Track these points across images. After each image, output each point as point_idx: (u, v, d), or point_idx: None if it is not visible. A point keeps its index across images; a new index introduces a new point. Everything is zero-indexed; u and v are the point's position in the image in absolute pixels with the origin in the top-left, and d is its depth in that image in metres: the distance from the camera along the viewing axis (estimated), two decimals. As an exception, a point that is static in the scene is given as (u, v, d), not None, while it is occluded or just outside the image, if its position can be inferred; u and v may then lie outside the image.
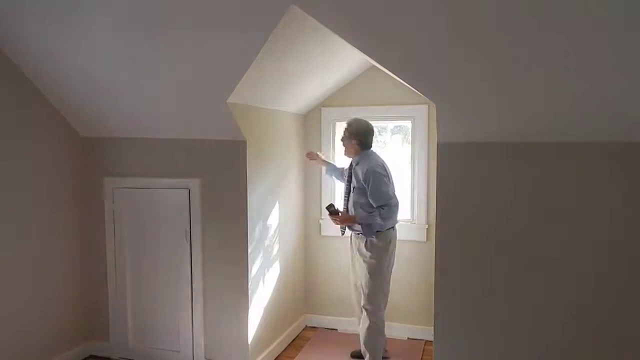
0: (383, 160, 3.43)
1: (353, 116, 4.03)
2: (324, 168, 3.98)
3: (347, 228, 3.50)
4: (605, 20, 1.97)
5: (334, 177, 3.87)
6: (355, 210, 3.35)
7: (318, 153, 3.92)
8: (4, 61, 3.05)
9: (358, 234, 3.36)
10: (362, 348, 3.40)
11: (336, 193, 4.16)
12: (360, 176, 3.29)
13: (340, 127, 4.19)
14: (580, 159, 2.54)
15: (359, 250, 3.38)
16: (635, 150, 2.46)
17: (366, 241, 3.31)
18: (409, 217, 4.04)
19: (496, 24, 2.12)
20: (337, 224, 3.44)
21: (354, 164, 3.41)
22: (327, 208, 3.42)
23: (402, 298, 4.03)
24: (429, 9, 2.15)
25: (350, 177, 3.42)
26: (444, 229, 2.77)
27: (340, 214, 3.41)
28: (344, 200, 3.49)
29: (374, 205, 3.27)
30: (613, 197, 2.52)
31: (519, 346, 2.70)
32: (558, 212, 2.59)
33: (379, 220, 3.24)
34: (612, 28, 1.99)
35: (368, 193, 3.27)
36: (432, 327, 2.84)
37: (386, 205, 3.26)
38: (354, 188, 3.37)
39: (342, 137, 3.47)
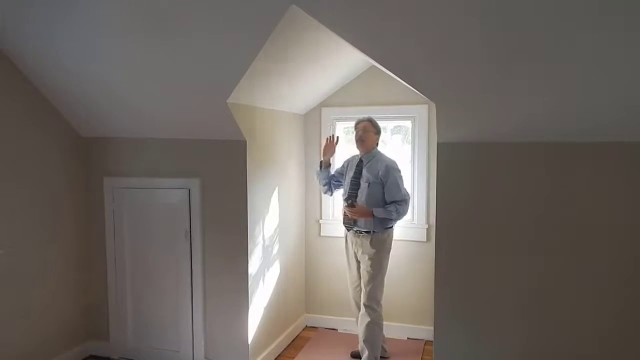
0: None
1: (353, 116, 4.04)
2: (316, 173, 3.77)
3: (353, 226, 3.41)
4: (604, 19, 1.97)
5: (321, 180, 3.68)
6: (368, 204, 3.34)
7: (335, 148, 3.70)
8: (4, 61, 3.05)
9: (360, 232, 3.37)
10: (361, 345, 3.43)
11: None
12: (379, 172, 3.33)
13: (341, 127, 4.20)
14: (580, 159, 2.55)
15: (362, 248, 3.40)
16: (634, 149, 2.46)
17: (371, 239, 3.35)
18: (409, 217, 4.03)
19: (496, 24, 2.12)
20: (354, 216, 3.38)
21: (365, 161, 3.44)
22: (345, 199, 3.44)
23: (402, 298, 4.02)
24: (429, 10, 2.15)
25: (360, 172, 3.43)
26: (443, 229, 2.77)
27: (355, 206, 3.37)
28: (349, 194, 3.42)
29: (389, 201, 3.32)
30: (614, 197, 2.52)
31: (519, 346, 2.70)
32: (558, 212, 2.59)
33: (394, 215, 3.30)
34: (612, 28, 1.99)
35: (385, 188, 3.32)
36: (432, 327, 2.84)
37: (402, 201, 3.32)
38: (369, 184, 3.35)
39: (367, 132, 3.41)
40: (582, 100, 2.34)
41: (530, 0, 1.99)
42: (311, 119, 4.21)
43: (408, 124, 4.04)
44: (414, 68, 2.51)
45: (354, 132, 3.50)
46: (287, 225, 3.95)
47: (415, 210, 3.99)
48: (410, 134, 4.03)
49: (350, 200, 3.41)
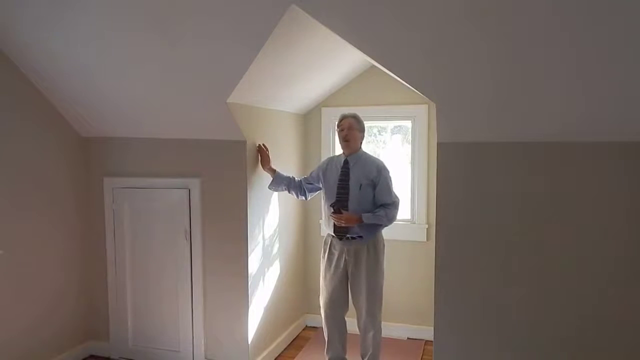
0: None
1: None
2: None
3: (345, 234, 3.15)
4: (604, 19, 1.97)
5: (280, 189, 3.44)
6: (361, 208, 3.10)
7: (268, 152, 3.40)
8: (4, 61, 3.05)
9: (353, 237, 3.13)
10: (365, 351, 3.24)
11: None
12: (371, 173, 3.12)
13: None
14: (581, 159, 2.54)
15: (356, 257, 3.14)
16: (634, 150, 2.46)
17: (367, 245, 3.12)
18: (409, 217, 4.03)
19: (496, 24, 2.12)
20: (342, 224, 3.09)
21: (351, 162, 3.19)
22: (332, 205, 3.15)
23: (402, 298, 4.03)
24: (429, 9, 2.15)
25: (347, 175, 3.17)
26: (444, 229, 2.76)
27: (343, 212, 3.09)
28: (338, 199, 3.16)
29: (378, 204, 3.12)
30: (614, 197, 2.52)
31: (519, 346, 2.70)
32: (558, 212, 2.59)
33: (385, 220, 3.09)
34: (611, 27, 1.99)
35: (376, 190, 3.11)
36: (432, 327, 2.84)
37: (392, 204, 3.12)
38: (360, 186, 3.11)
39: (352, 130, 3.17)
40: (582, 99, 2.34)
41: (530, 1, 1.99)
42: (311, 119, 4.22)
43: (408, 124, 4.04)
44: (414, 68, 2.50)
45: (338, 130, 3.24)
46: (287, 225, 3.95)
47: (416, 210, 3.99)
48: (410, 134, 4.03)
49: (337, 206, 3.12)
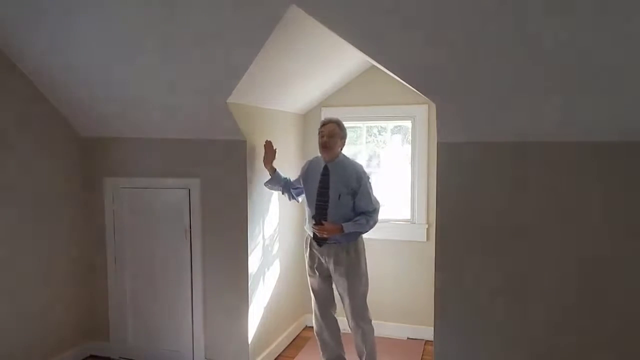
0: None
1: (353, 116, 4.01)
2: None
3: (325, 241, 3.14)
4: (604, 19, 1.97)
5: (275, 188, 3.43)
6: (339, 217, 3.07)
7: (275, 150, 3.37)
8: (4, 61, 3.05)
9: (333, 242, 3.11)
10: (360, 351, 3.26)
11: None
12: (350, 182, 3.07)
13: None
14: (580, 159, 2.54)
15: (336, 260, 3.11)
16: (634, 150, 2.46)
17: (347, 248, 3.10)
18: (409, 217, 4.03)
19: (496, 24, 2.12)
20: (324, 235, 3.07)
21: (330, 169, 3.14)
22: (313, 217, 3.14)
23: (403, 298, 4.02)
24: (429, 9, 2.15)
25: (326, 182, 3.12)
26: (444, 229, 2.77)
27: (324, 223, 3.07)
28: (318, 207, 3.14)
29: (359, 211, 3.08)
30: (614, 197, 2.52)
31: (519, 346, 2.70)
32: (558, 212, 2.59)
33: (366, 228, 3.08)
34: (612, 27, 1.99)
35: (357, 198, 3.07)
36: (432, 327, 2.84)
37: (373, 211, 3.10)
38: (339, 196, 3.07)
39: (333, 137, 3.10)
40: (583, 99, 2.34)
41: (529, 1, 1.99)
42: (311, 119, 4.21)
43: (408, 124, 4.04)
44: (414, 68, 2.51)
45: (319, 135, 3.16)
46: (287, 225, 3.95)
47: (416, 210, 3.99)
48: (410, 134, 4.03)
49: (318, 217, 3.10)
